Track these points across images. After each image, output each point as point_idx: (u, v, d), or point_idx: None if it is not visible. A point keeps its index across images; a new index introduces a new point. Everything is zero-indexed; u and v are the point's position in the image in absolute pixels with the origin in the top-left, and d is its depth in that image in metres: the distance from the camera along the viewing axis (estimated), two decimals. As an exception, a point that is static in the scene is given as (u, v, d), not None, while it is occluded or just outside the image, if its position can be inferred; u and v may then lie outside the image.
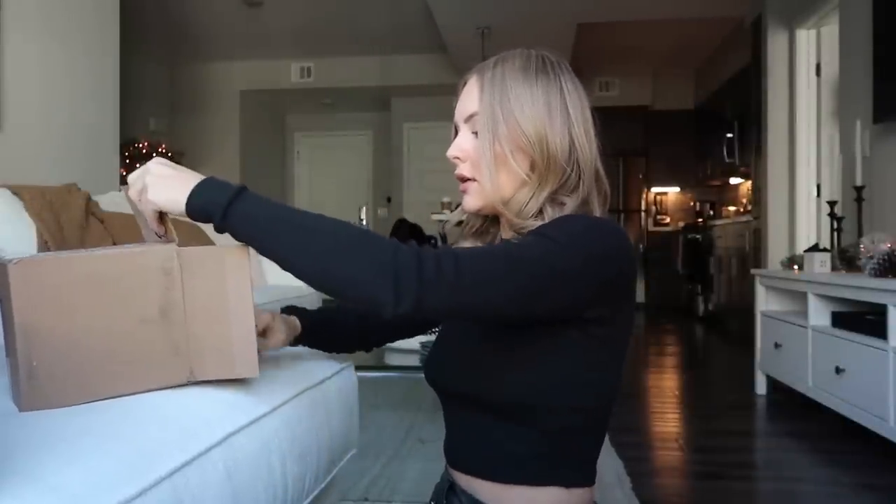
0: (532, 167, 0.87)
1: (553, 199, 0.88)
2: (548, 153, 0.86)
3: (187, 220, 0.79)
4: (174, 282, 0.79)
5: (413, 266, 0.70)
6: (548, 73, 0.89)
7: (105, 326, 0.76)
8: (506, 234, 0.95)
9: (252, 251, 0.79)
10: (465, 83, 0.93)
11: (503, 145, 0.87)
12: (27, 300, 0.72)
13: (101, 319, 0.76)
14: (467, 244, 0.98)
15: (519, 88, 0.87)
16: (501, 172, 0.88)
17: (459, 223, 1.04)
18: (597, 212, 0.91)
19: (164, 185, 0.77)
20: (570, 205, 0.88)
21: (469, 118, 0.91)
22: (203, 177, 0.78)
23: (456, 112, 0.94)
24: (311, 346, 1.12)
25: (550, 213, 0.88)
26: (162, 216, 0.81)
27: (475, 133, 0.90)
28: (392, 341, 1.17)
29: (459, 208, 0.98)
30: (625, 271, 0.85)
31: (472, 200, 0.92)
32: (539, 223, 0.87)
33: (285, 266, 0.75)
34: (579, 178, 0.89)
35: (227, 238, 0.78)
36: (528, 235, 0.83)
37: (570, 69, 0.92)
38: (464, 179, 0.93)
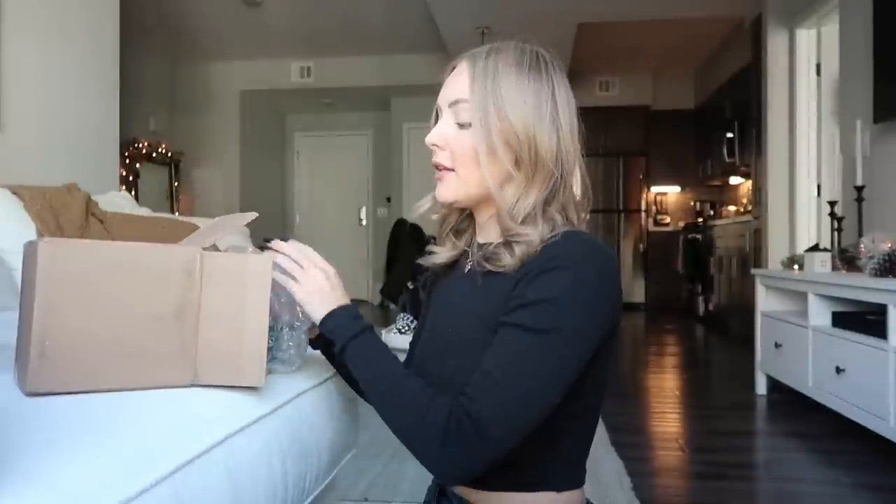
0: (517, 164, 0.85)
1: (545, 210, 0.86)
2: (536, 151, 0.84)
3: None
4: (193, 283, 0.80)
5: (436, 440, 0.77)
6: (540, 71, 0.87)
7: (119, 317, 0.77)
8: (482, 236, 0.93)
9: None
10: (454, 67, 0.90)
11: (493, 139, 0.84)
12: (51, 279, 0.73)
13: (116, 309, 0.77)
14: (446, 249, 0.96)
15: (511, 83, 0.85)
16: (490, 166, 0.85)
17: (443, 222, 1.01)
18: (574, 218, 0.88)
19: (316, 291, 0.88)
20: (552, 214, 0.86)
21: (454, 103, 0.88)
22: (346, 302, 0.89)
23: (440, 95, 0.91)
24: None
25: (542, 229, 0.84)
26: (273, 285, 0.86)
27: (459, 124, 0.88)
28: None
29: (430, 197, 0.94)
30: (618, 305, 0.85)
31: (447, 191, 0.90)
32: (530, 229, 0.84)
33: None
34: (564, 183, 0.87)
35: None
36: (521, 309, 0.80)
37: (561, 69, 0.90)
38: (440, 168, 0.90)
